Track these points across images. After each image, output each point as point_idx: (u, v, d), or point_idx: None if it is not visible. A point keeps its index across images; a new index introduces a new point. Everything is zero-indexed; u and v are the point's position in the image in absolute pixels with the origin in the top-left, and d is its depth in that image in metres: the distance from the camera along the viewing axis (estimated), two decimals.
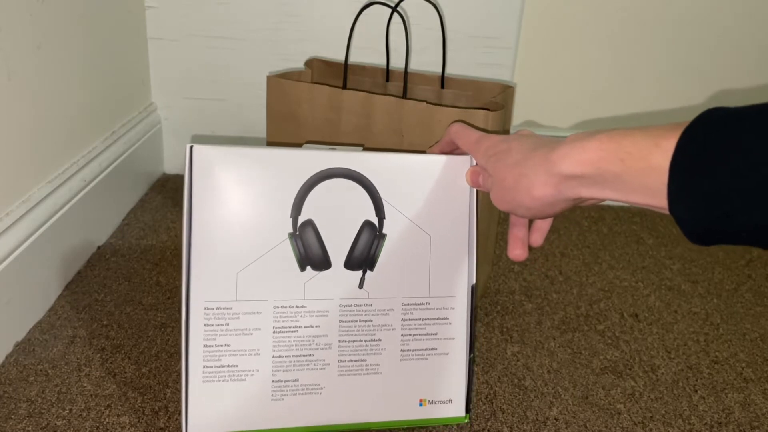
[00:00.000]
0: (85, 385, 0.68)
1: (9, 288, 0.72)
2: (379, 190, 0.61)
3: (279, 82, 0.81)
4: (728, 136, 0.37)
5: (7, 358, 0.71)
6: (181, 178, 1.24)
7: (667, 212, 0.42)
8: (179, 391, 0.68)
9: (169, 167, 1.26)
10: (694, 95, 1.29)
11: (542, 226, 0.60)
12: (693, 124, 0.40)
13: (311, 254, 0.60)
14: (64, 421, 0.63)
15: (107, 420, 0.64)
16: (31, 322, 0.77)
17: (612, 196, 0.45)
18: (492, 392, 0.72)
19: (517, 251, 0.59)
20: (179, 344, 0.76)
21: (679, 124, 0.40)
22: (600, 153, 0.44)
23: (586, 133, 0.46)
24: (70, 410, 0.65)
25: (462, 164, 0.62)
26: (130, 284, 0.87)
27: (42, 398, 0.66)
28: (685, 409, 0.71)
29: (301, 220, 0.59)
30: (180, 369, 0.70)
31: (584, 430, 0.67)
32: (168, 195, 1.16)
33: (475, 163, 0.61)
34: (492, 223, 0.83)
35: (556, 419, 0.68)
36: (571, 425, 0.68)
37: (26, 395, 0.66)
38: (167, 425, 0.64)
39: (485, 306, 0.88)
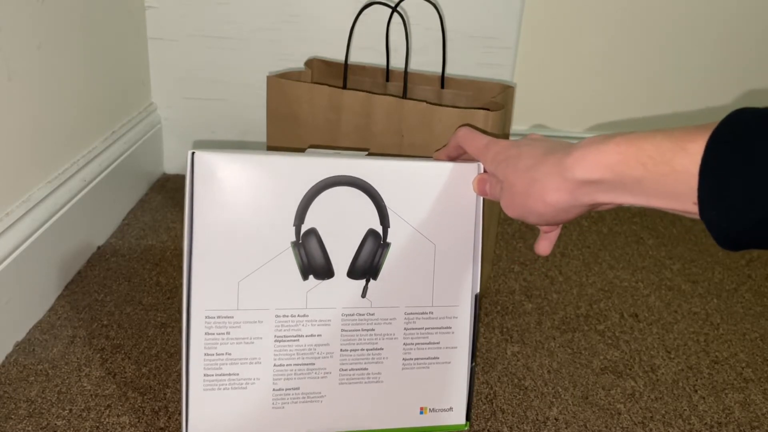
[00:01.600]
0: (85, 385, 0.68)
1: (9, 288, 0.72)
2: (384, 199, 0.59)
3: (279, 82, 0.81)
4: (760, 137, 0.36)
5: (7, 358, 0.71)
6: (181, 178, 1.24)
7: (691, 216, 0.40)
8: (179, 392, 0.68)
9: (169, 167, 1.26)
10: (691, 97, 1.29)
11: (551, 236, 0.59)
12: (722, 126, 0.38)
13: (314, 263, 0.59)
14: (64, 421, 0.63)
15: (107, 420, 0.64)
16: (31, 322, 0.77)
17: (631, 201, 0.43)
18: (492, 392, 0.72)
19: (543, 244, 0.59)
20: (180, 351, 0.76)
21: (704, 126, 0.39)
22: (618, 157, 0.42)
23: (601, 137, 0.44)
24: (70, 410, 0.65)
25: (470, 172, 0.60)
26: (130, 284, 0.87)
27: (42, 398, 0.66)
28: (685, 409, 0.71)
29: (304, 228, 0.58)
30: (180, 371, 0.70)
31: (584, 430, 0.67)
32: (168, 195, 1.16)
33: (483, 170, 0.60)
34: (492, 223, 0.83)
35: (556, 419, 0.68)
36: (571, 425, 0.68)
37: (26, 395, 0.66)
38: (167, 425, 0.64)
39: (485, 306, 0.88)
